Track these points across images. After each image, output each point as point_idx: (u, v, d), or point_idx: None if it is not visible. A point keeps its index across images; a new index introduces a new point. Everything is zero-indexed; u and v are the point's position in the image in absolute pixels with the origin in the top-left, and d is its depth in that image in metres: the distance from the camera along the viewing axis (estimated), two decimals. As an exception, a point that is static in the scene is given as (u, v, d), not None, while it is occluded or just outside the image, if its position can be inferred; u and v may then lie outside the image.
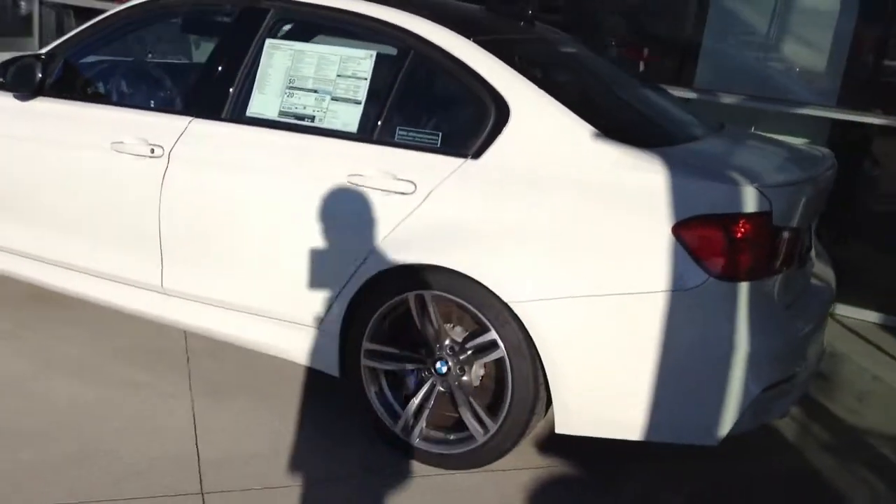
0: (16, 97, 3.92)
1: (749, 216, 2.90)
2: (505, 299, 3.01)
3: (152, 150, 3.56)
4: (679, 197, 2.91)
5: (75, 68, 4.00)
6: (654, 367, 2.92)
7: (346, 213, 3.27)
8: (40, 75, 3.83)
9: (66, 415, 3.41)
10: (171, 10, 3.99)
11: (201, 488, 3.01)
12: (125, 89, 4.28)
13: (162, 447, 3.24)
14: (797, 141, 4.73)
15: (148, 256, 3.64)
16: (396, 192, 3.19)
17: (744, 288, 2.92)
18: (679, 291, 2.88)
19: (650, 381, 2.93)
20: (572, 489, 3.28)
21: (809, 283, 3.52)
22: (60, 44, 3.96)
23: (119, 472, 3.06)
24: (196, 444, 3.28)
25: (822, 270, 3.70)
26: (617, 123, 3.29)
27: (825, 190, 3.39)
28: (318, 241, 3.31)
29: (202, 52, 4.94)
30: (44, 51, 3.97)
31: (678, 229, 2.88)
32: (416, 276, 3.18)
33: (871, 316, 5.55)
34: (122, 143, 3.62)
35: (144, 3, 3.86)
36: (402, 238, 3.18)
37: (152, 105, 4.21)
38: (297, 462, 3.24)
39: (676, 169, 2.97)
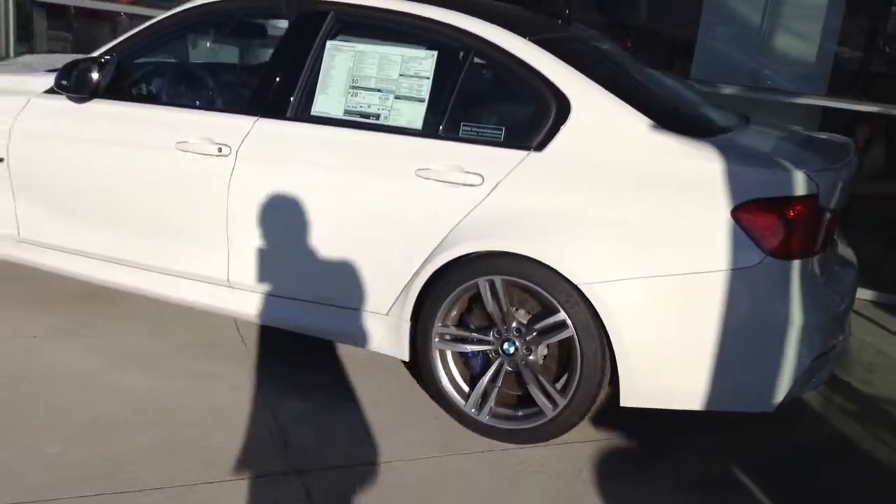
0: (71, 99, 4.01)
1: (800, 199, 3.15)
2: (575, 282, 3.22)
3: (220, 150, 3.70)
4: (736, 183, 3.16)
5: (131, 70, 4.11)
6: (715, 341, 3.16)
7: (417, 205, 3.46)
8: (97, 77, 3.94)
9: (143, 405, 3.52)
10: (227, 13, 4.10)
11: (298, 469, 3.17)
12: (184, 90, 4.39)
13: (247, 432, 3.38)
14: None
15: (214, 251, 3.79)
16: (465, 185, 3.39)
17: (796, 265, 3.18)
18: (738, 270, 3.12)
19: (711, 354, 3.17)
20: (634, 459, 3.51)
21: (837, 262, 3.79)
22: (114, 46, 4.06)
23: (208, 457, 3.20)
24: (279, 428, 3.43)
25: (846, 251, 3.98)
26: (666, 115, 3.50)
27: (854, 175, 3.66)
28: (390, 233, 3.50)
29: (239, 54, 5.05)
30: (97, 53, 4.07)
31: (736, 212, 3.12)
32: (487, 262, 3.38)
33: (865, 294, 5.86)
34: (186, 142, 3.76)
35: (200, 5, 3.98)
36: (472, 227, 3.37)
37: (215, 106, 4.31)
38: (379, 443, 3.41)
39: (730, 157, 3.22)
